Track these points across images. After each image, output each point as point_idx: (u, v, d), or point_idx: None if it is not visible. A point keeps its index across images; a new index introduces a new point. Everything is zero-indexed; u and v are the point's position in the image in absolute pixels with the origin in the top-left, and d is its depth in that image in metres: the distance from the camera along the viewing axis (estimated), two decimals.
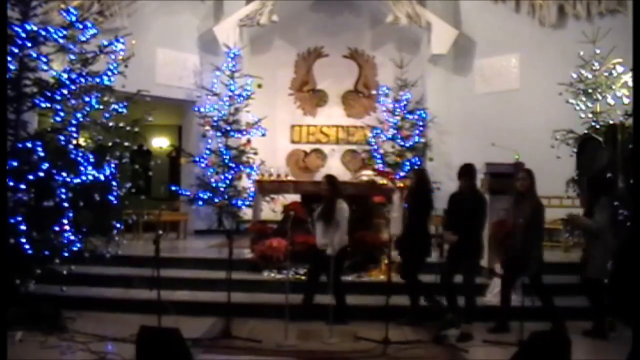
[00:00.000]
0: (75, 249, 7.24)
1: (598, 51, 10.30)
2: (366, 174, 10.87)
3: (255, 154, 13.18)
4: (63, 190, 7.00)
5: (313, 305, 7.32)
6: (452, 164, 11.95)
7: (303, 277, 8.22)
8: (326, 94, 15.40)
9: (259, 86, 13.38)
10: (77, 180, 7.21)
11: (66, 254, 7.15)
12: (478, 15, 13.77)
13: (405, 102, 13.71)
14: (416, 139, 13.59)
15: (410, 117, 13.74)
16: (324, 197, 7.61)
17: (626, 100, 9.83)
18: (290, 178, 11.31)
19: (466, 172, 7.14)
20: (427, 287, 7.46)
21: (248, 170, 13.06)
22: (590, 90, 10.31)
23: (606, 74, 10.21)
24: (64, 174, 7.06)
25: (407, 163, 13.30)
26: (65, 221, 7.03)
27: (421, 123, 13.73)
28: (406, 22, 13.58)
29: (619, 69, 10.04)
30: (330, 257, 7.12)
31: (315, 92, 15.41)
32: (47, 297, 7.32)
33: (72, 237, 7.15)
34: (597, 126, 9.82)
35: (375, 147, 13.84)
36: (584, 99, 10.36)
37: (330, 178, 7.80)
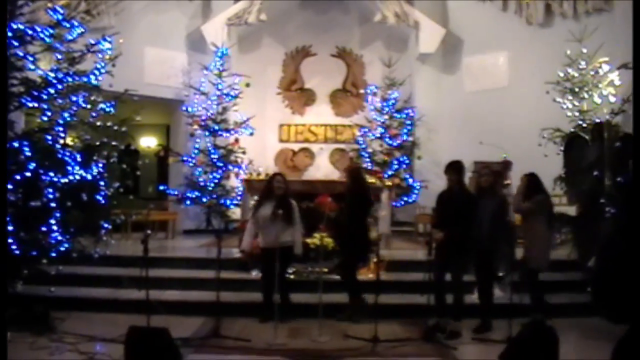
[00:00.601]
0: (63, 249, 7.20)
1: (585, 50, 10.37)
2: None
3: (244, 153, 13.16)
4: (50, 190, 6.96)
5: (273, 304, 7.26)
6: (440, 162, 11.93)
7: (292, 276, 8.22)
8: (314, 92, 15.41)
9: (247, 85, 13.37)
10: (65, 180, 7.17)
11: (54, 254, 7.12)
12: (466, 14, 13.85)
13: (393, 101, 13.77)
14: (404, 137, 13.64)
15: (399, 115, 13.80)
16: (277, 195, 7.40)
17: (612, 99, 9.90)
18: None
19: (453, 168, 7.16)
20: (361, 285, 7.60)
21: (236, 169, 13.05)
22: (577, 89, 10.38)
23: (592, 72, 10.28)
24: (52, 174, 7.02)
25: (395, 162, 13.36)
26: (53, 221, 6.99)
27: (409, 122, 13.79)
28: (394, 20, 13.63)
29: (605, 67, 10.11)
30: (298, 256, 7.42)
31: (304, 91, 15.41)
32: (36, 298, 7.29)
33: (60, 237, 7.11)
34: (584, 124, 9.88)
35: (364, 145, 13.88)
36: (570, 97, 10.43)
37: (283, 176, 7.74)
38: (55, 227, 7.01)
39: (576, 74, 10.40)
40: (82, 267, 8.09)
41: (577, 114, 10.28)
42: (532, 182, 7.32)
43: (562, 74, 10.52)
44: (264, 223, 7.32)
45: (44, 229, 6.98)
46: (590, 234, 8.19)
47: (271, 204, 7.34)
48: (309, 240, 8.30)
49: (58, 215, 7.05)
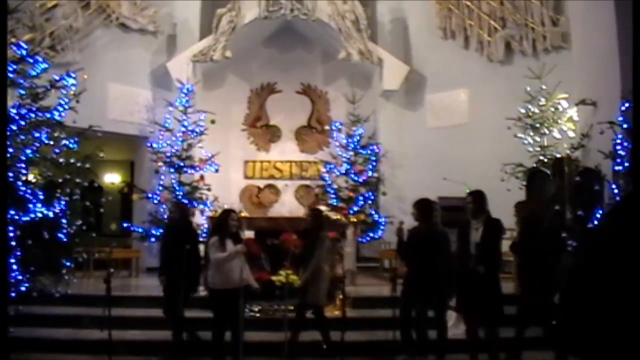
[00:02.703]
0: (23, 288, 7.05)
1: (544, 87, 10.62)
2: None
3: (209, 190, 13.06)
4: (11, 228, 6.83)
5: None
6: (405, 198, 12.12)
7: (258, 315, 8.15)
8: (279, 129, 15.45)
9: (212, 122, 13.35)
10: (26, 218, 7.06)
11: (13, 294, 6.96)
12: (428, 52, 14.13)
13: (358, 137, 13.85)
14: (369, 173, 13.71)
15: (363, 152, 13.88)
16: (232, 233, 7.17)
17: (571, 134, 10.14)
18: (244, 214, 11.25)
19: (416, 206, 7.19)
20: (187, 322, 7.44)
21: (201, 206, 12.94)
22: (537, 125, 10.60)
23: (552, 108, 10.52)
24: (12, 212, 6.90)
25: (361, 198, 13.40)
26: (13, 260, 6.85)
27: (374, 158, 13.87)
28: (358, 58, 13.80)
29: (564, 103, 10.36)
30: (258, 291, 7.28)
31: (269, 128, 15.44)
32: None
33: (20, 277, 6.97)
34: (545, 159, 10.08)
35: (329, 182, 13.90)
36: (531, 133, 10.65)
37: (237, 213, 7.62)
38: (15, 266, 6.87)
39: (536, 110, 10.63)
40: (42, 306, 7.91)
41: (538, 149, 10.49)
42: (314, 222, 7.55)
43: (522, 110, 10.75)
44: (230, 261, 7.00)
45: None
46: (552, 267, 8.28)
47: (229, 241, 7.06)
48: (274, 278, 8.24)
49: (18, 253, 6.92)
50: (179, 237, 7.31)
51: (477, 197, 7.08)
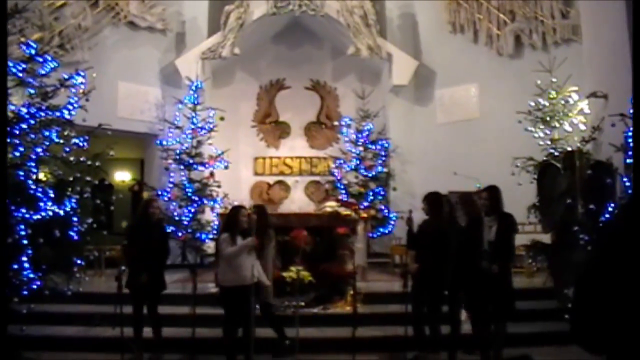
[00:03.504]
0: (34, 287, 7.05)
1: (554, 80, 10.54)
2: (330, 205, 10.81)
3: (219, 186, 13.08)
4: (22, 227, 6.84)
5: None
6: (415, 193, 12.09)
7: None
8: (289, 125, 15.45)
9: (221, 119, 13.36)
10: (37, 217, 7.06)
11: (25, 293, 6.97)
12: (437, 47, 14.09)
13: (367, 133, 13.85)
14: (379, 169, 13.69)
15: (373, 147, 13.86)
16: (243, 229, 7.04)
17: (582, 127, 10.05)
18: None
19: (425, 200, 7.14)
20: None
21: (211, 203, 12.95)
22: (547, 118, 10.51)
23: (563, 102, 10.44)
24: (23, 210, 6.91)
25: (371, 193, 13.38)
26: (25, 258, 6.86)
27: (384, 153, 13.85)
28: (367, 53, 13.77)
29: (575, 96, 10.28)
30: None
31: (278, 124, 15.45)
32: (6, 338, 7.11)
33: (32, 275, 6.97)
34: (556, 153, 10.00)
35: (339, 177, 13.89)
36: (542, 126, 10.56)
37: (246, 208, 7.59)
38: (26, 265, 6.88)
39: (547, 104, 10.55)
40: (54, 305, 7.92)
41: (548, 142, 10.40)
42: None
43: (532, 104, 10.67)
44: (242, 257, 6.89)
45: (15, 266, 6.84)
46: (565, 261, 8.24)
47: (239, 238, 6.96)
48: (285, 274, 8.23)
49: (30, 252, 6.92)
50: (158, 234, 7.43)
51: (494, 193, 6.95)
